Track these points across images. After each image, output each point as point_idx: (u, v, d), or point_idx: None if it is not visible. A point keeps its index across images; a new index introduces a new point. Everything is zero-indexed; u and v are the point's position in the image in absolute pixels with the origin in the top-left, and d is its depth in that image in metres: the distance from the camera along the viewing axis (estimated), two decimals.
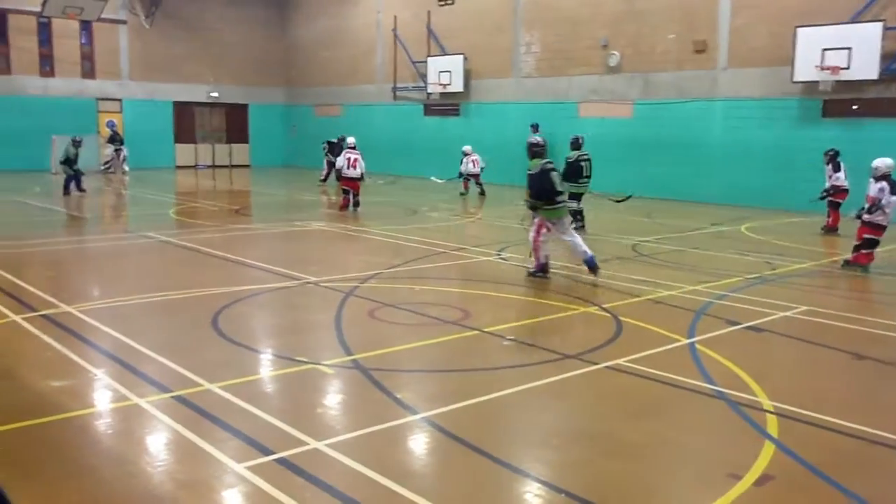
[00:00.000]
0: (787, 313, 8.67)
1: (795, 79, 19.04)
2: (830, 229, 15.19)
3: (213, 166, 33.54)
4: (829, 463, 4.80)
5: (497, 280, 10.28)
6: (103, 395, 5.98)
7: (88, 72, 30.44)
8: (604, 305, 8.75)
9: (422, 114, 29.43)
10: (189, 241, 13.13)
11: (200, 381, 6.05)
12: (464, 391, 6.02)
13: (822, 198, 15.44)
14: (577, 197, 13.97)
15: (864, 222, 11.10)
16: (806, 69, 18.71)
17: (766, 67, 19.92)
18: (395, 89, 30.00)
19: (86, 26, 29.93)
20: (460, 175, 22.64)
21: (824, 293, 9.94)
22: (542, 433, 5.37)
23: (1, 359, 6.71)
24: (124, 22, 30.85)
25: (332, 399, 6.09)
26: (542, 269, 10.09)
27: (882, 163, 11.08)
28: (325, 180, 25.20)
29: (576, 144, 14.80)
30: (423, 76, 28.32)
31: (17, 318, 7.82)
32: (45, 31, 29.20)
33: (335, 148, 23.79)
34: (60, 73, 29.71)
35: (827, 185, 15.41)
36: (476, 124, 27.00)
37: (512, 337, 7.53)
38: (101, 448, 5.07)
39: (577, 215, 13.98)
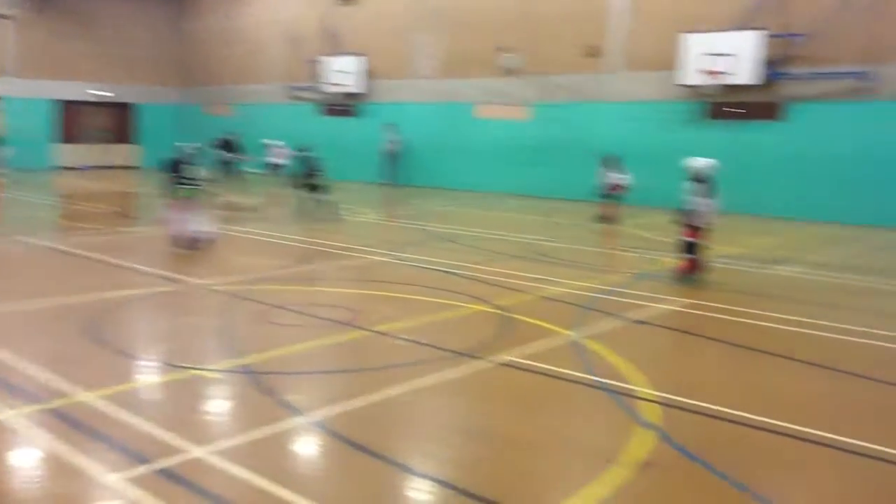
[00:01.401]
0: (669, 307, 8.99)
1: (682, 83, 19.80)
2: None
3: (101, 167, 32.17)
4: (704, 447, 4.99)
5: (390, 280, 10.25)
6: None
7: None
8: (496, 303, 8.85)
9: (318, 114, 29.10)
10: (68, 245, 12.54)
11: (76, 391, 5.77)
12: (355, 392, 5.96)
13: (603, 195, 16.68)
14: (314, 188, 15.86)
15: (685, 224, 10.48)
16: (692, 73, 19.49)
17: (656, 71, 20.63)
18: (290, 88, 29.56)
19: None
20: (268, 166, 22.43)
21: (705, 288, 10.32)
22: (434, 431, 5.38)
23: None
24: (9, 17, 29.22)
25: (218, 405, 5.92)
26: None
27: (694, 163, 10.51)
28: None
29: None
30: (321, 76, 28.02)
31: None
32: None
33: (229, 146, 23.37)
34: None
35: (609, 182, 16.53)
36: (374, 125, 26.89)
37: (404, 336, 7.51)
38: None
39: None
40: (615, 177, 16.51)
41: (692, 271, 10.31)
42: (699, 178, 10.29)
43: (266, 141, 22.23)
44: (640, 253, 12.73)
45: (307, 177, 16.27)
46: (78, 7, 30.70)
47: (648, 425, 5.35)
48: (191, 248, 11.64)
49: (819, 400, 6.13)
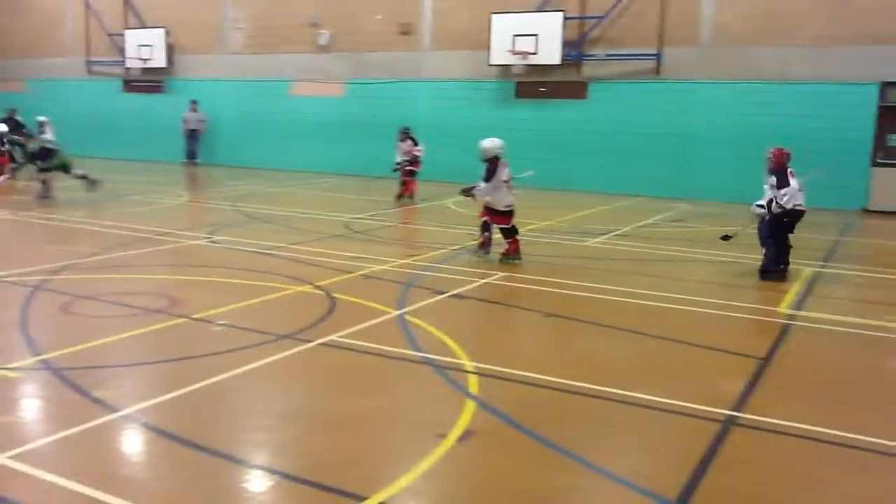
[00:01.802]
0: (487, 280, 9.34)
1: (491, 62, 20.42)
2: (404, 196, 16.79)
3: None
4: (524, 414, 5.25)
5: (207, 264, 9.92)
6: None
7: None
8: (317, 283, 8.80)
9: (121, 90, 27.38)
10: None
11: None
12: (172, 382, 5.73)
13: (396, 170, 16.96)
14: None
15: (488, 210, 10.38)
16: (500, 53, 20.14)
17: (467, 51, 21.12)
18: (88, 63, 27.59)
19: None
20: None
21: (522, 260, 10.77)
22: (256, 416, 5.29)
23: None
24: None
25: (18, 406, 5.49)
26: None
27: (490, 143, 10.35)
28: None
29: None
30: (122, 50, 26.34)
31: None
32: None
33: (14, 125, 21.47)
34: None
35: (399, 158, 16.87)
36: (183, 102, 25.66)
37: (223, 321, 7.31)
38: None
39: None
40: (411, 149, 16.61)
41: (486, 249, 10.40)
42: (491, 160, 10.17)
43: (41, 118, 20.24)
44: (459, 229, 13.08)
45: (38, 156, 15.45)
46: None
47: (470, 395, 5.55)
48: None
49: (623, 361, 6.61)
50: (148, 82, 26.63)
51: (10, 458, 4.44)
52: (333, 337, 6.80)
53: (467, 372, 6.03)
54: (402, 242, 11.71)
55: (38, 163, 15.51)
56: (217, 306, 7.75)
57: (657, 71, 19.11)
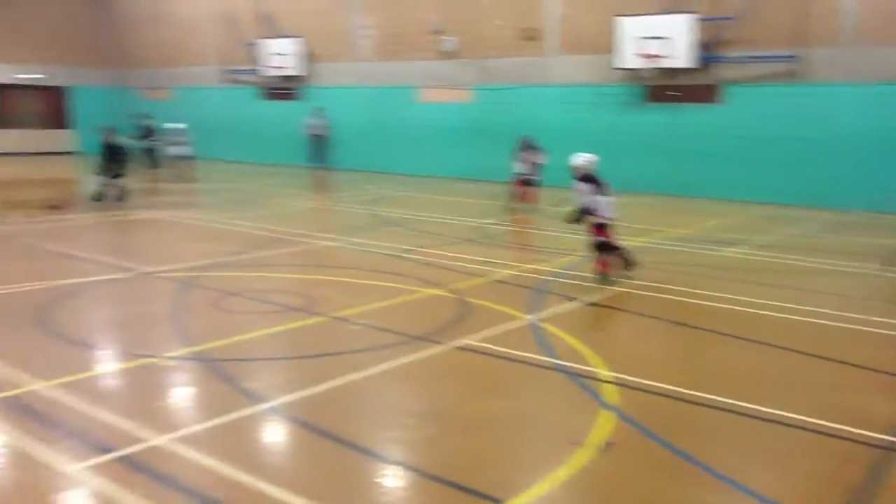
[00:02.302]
0: (620, 288, 9.17)
1: (618, 66, 20.10)
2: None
3: (31, 153, 31.07)
4: (663, 426, 5.14)
5: (344, 265, 10.22)
6: None
7: None
8: (449, 287, 8.91)
9: (258, 97, 28.65)
10: (12, 232, 12.15)
11: (29, 380, 5.64)
12: (313, 378, 5.96)
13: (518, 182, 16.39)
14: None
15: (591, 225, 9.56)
16: (626, 57, 19.79)
17: (593, 55, 20.87)
18: (227, 72, 29.02)
19: None
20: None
21: (655, 269, 10.53)
22: (392, 414, 5.42)
23: None
24: None
25: (175, 393, 5.85)
26: None
27: (581, 160, 9.63)
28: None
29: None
30: (258, 59, 27.56)
31: None
32: None
33: (150, 132, 22.88)
34: None
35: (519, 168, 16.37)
36: (325, 108, 26.57)
37: (361, 321, 7.52)
38: None
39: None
40: (532, 158, 16.31)
41: (608, 269, 9.51)
42: (586, 177, 9.50)
43: (169, 125, 21.40)
44: (585, 235, 12.91)
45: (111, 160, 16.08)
46: None
47: (608, 406, 5.48)
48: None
49: (761, 375, 6.35)
50: (282, 89, 27.73)
51: (170, 440, 4.74)
52: (467, 340, 6.87)
53: (602, 381, 5.96)
54: (530, 248, 11.70)
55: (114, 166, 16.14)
56: (353, 306, 7.99)
57: (794, 73, 18.26)
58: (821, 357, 6.79)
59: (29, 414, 5.09)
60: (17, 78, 30.50)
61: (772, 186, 18.56)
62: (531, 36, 22.02)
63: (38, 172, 25.10)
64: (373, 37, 25.22)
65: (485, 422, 5.23)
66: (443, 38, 23.47)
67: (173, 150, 20.75)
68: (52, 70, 31.26)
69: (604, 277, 9.41)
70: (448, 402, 5.65)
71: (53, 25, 31.09)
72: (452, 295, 8.57)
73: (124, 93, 32.77)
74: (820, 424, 5.20)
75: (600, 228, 9.45)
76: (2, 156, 29.63)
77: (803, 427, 5.19)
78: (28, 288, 8.56)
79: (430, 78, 24.18)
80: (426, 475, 4.46)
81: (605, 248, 9.47)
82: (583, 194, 9.38)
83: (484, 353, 6.59)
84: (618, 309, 8.44)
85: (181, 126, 20.82)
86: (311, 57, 26.71)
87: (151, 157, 23.19)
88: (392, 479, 4.49)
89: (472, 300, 8.29)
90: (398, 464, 4.63)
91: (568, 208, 9.95)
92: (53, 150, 31.28)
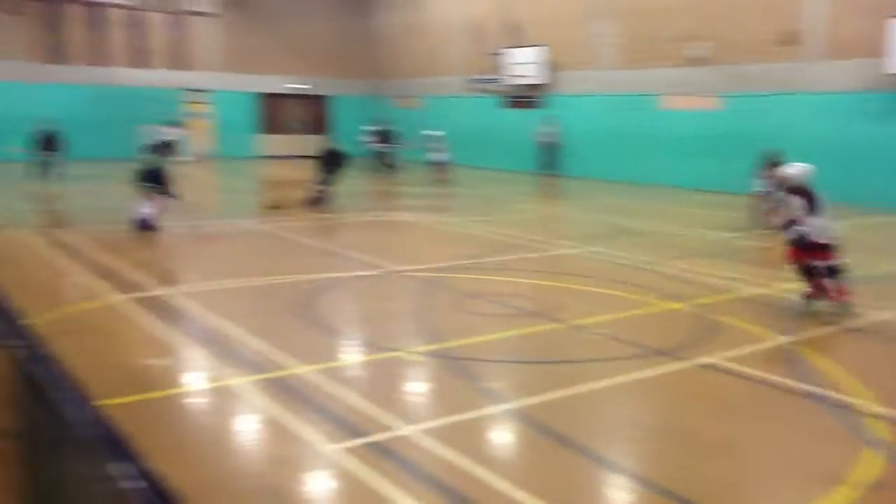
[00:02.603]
0: (888, 315, 8.30)
1: (892, 72, 18.24)
2: None
3: (297, 157, 34.13)
4: None
5: (582, 273, 10.17)
6: (200, 374, 6.17)
7: (176, 63, 31.34)
8: (691, 301, 8.56)
9: (501, 106, 29.34)
10: (276, 228, 13.41)
11: (291, 363, 6.17)
12: (551, 383, 5.98)
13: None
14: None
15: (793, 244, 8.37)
16: None
17: (858, 59, 19.12)
18: (473, 81, 29.99)
19: (177, 18, 30.83)
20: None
21: None
22: (630, 427, 5.31)
23: (105, 337, 6.98)
24: (212, 14, 31.65)
25: (419, 386, 6.14)
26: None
27: (794, 169, 8.52)
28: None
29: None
30: (502, 68, 28.21)
31: (119, 298, 8.12)
32: (138, 24, 30.21)
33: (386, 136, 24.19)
34: (150, 65, 30.67)
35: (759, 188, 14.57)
36: (558, 117, 26.77)
37: (600, 331, 7.44)
38: (198, 425, 5.24)
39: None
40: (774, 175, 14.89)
41: (819, 296, 8.28)
42: (799, 190, 8.30)
43: (428, 132, 22.32)
44: (857, 255, 11.86)
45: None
46: (272, 4, 32.63)
47: (876, 443, 4.97)
48: (142, 229, 12.37)
49: None
50: (525, 98, 28.18)
51: (413, 430, 4.98)
52: (711, 359, 6.56)
53: (868, 414, 5.42)
54: (778, 265, 10.92)
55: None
56: (592, 315, 7.92)
57: None
58: None
59: (292, 394, 5.57)
60: (288, 88, 33.62)
61: None
62: (790, 40, 20.60)
63: (298, 174, 27.52)
64: (617, 44, 24.91)
65: (726, 445, 4.97)
66: (692, 44, 22.62)
67: (433, 157, 21.72)
68: (316, 80, 34.09)
69: (813, 303, 8.26)
70: (687, 420, 5.43)
71: (319, 40, 33.91)
72: (695, 310, 8.22)
73: (378, 101, 34.96)
74: None
75: (810, 250, 8.16)
76: (273, 159, 32.80)
77: None
78: (291, 280, 9.38)
79: (674, 85, 23.43)
80: (659, 489, 4.31)
81: (812, 272, 8.20)
82: (793, 209, 8.21)
83: (728, 373, 6.25)
84: (887, 338, 7.64)
85: (439, 133, 21.74)
86: (553, 65, 26.90)
87: (386, 161, 24.57)
88: (623, 491, 4.41)
89: (716, 317, 7.90)
90: (631, 475, 4.53)
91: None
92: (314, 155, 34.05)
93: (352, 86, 35.31)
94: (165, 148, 22.02)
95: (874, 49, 18.53)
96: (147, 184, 12.66)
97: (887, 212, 17.27)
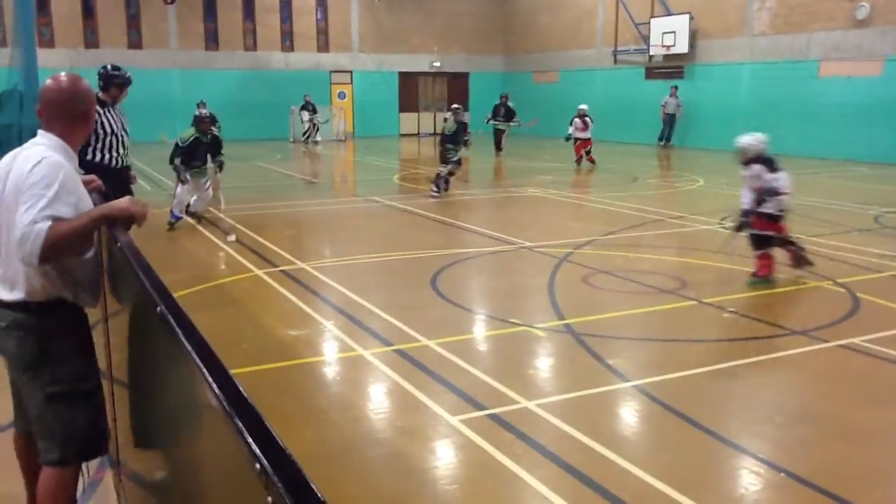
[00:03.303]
0: None
1: None
2: None
3: (435, 134, 34.64)
4: None
5: (718, 250, 9.80)
6: (332, 345, 6.46)
7: (323, 46, 32.43)
8: (839, 280, 8.09)
9: (643, 78, 28.49)
10: (410, 205, 13.72)
11: (419, 336, 6.35)
12: (679, 362, 5.85)
13: None
14: None
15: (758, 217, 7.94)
16: None
17: None
18: (615, 53, 29.26)
19: (322, 2, 31.87)
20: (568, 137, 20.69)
21: None
22: (762, 410, 5.11)
23: (247, 308, 7.44)
24: None
25: (544, 361, 6.16)
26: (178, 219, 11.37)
27: (750, 139, 8.14)
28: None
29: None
30: (646, 38, 27.37)
31: (261, 273, 8.61)
32: (286, 9, 31.47)
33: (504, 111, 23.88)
34: (299, 48, 31.90)
35: None
36: (701, 87, 25.73)
37: (733, 309, 7.18)
38: (330, 393, 5.50)
39: None
40: None
41: (769, 272, 7.98)
42: (757, 159, 7.93)
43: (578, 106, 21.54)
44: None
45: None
46: None
47: None
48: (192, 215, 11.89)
49: None
50: (669, 69, 27.24)
51: (536, 405, 5.01)
52: (856, 340, 6.19)
53: None
54: None
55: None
56: (726, 293, 7.65)
57: None
58: None
59: (420, 366, 5.74)
60: (434, 67, 34.09)
61: None
62: None
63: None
64: (771, 8, 23.55)
65: (874, 432, 4.69)
66: (857, 3, 21.03)
67: (576, 133, 21.23)
68: (451, 58, 34.35)
69: (763, 280, 7.88)
70: (828, 404, 5.16)
71: (458, 17, 34.13)
72: (841, 289, 7.76)
73: (515, 77, 34.81)
74: None
75: (767, 220, 7.84)
76: (410, 136, 33.42)
77: None
78: (424, 255, 9.60)
79: (834, 49, 21.92)
80: (797, 478, 4.13)
81: (771, 243, 7.92)
82: (757, 178, 7.83)
83: (877, 357, 5.89)
84: None
85: (583, 107, 21.13)
86: (698, 34, 25.84)
87: (499, 139, 24.18)
88: (750, 473, 4.25)
89: (864, 296, 7.43)
90: (759, 459, 4.36)
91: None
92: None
93: (490, 62, 35.34)
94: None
95: None
96: None
97: None
